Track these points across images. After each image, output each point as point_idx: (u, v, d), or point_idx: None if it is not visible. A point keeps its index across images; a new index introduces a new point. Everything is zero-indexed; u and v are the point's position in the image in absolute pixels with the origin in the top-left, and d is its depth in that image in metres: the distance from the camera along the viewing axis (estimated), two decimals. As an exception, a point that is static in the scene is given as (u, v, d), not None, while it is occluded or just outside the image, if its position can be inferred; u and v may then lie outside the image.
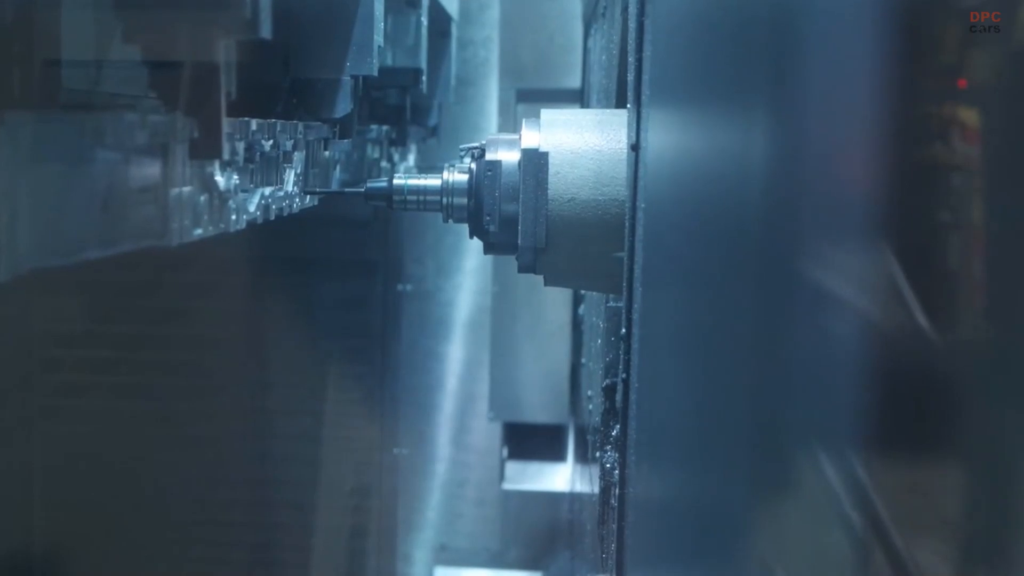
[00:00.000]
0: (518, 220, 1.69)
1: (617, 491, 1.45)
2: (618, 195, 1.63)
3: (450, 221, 1.83)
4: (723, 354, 0.91)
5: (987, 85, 0.59)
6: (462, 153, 1.81)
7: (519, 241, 1.68)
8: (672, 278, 1.16)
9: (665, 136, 1.22)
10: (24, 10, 1.09)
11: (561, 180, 1.66)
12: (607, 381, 1.69)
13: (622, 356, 1.43)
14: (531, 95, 3.80)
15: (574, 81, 3.75)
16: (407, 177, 1.86)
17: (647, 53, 1.33)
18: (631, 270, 1.40)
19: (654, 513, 1.24)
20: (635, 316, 1.35)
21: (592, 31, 2.91)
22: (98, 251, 1.14)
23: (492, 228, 1.73)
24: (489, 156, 1.75)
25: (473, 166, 1.77)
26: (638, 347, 1.33)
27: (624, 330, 1.42)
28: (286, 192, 1.74)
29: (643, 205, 1.34)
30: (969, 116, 0.58)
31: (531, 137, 1.70)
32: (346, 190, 2.08)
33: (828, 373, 0.67)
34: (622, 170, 1.62)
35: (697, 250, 1.01)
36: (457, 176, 1.80)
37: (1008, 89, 0.56)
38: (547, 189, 1.66)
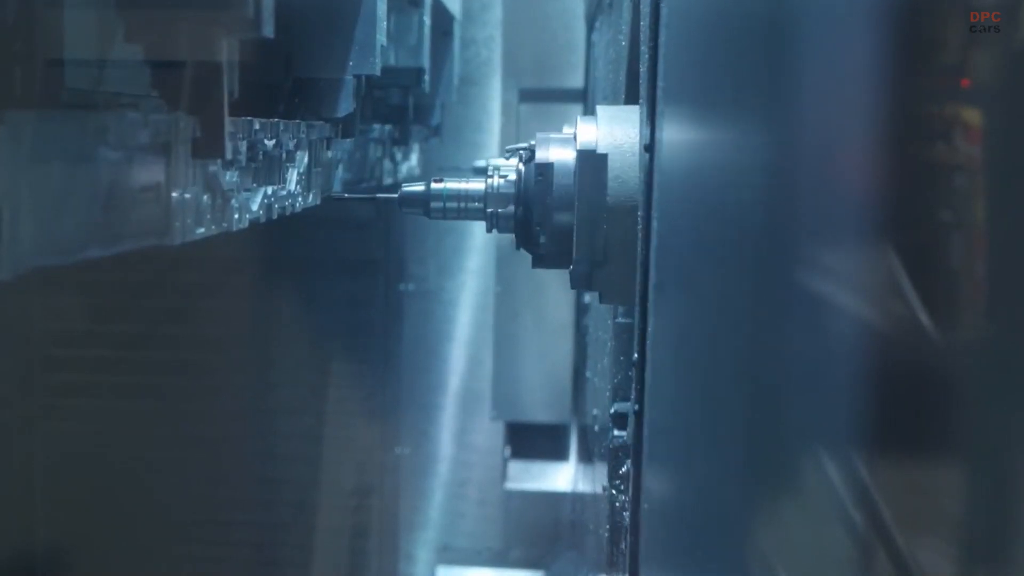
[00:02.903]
0: (572, 231, 1.51)
1: (628, 537, 1.33)
2: None
3: (494, 231, 1.66)
4: (748, 382, 0.85)
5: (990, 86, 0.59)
6: (508, 154, 1.64)
7: (574, 254, 1.50)
8: (691, 296, 1.07)
9: (683, 135, 1.11)
10: (26, 9, 1.09)
11: (622, 185, 1.47)
12: (615, 408, 1.55)
13: (634, 384, 1.30)
14: (534, 94, 3.80)
15: (577, 80, 3.75)
16: (447, 180, 1.70)
17: (662, 39, 1.19)
18: (644, 286, 1.26)
19: (667, 563, 1.15)
20: (649, 340, 1.22)
21: (597, 24, 2.88)
22: (100, 250, 1.14)
23: (543, 239, 1.56)
24: (540, 158, 1.56)
25: (521, 168, 1.61)
26: (652, 378, 1.21)
27: (636, 354, 1.28)
28: (288, 191, 1.74)
29: (657, 214, 1.21)
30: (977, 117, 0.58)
31: (587, 136, 1.51)
32: (378, 195, 1.95)
33: (866, 406, 0.65)
34: None
35: (719, 265, 0.95)
36: (503, 180, 1.63)
37: (1010, 88, 0.56)
38: (606, 196, 1.47)
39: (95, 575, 3.01)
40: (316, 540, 3.29)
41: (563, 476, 4.06)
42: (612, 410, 1.56)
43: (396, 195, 1.73)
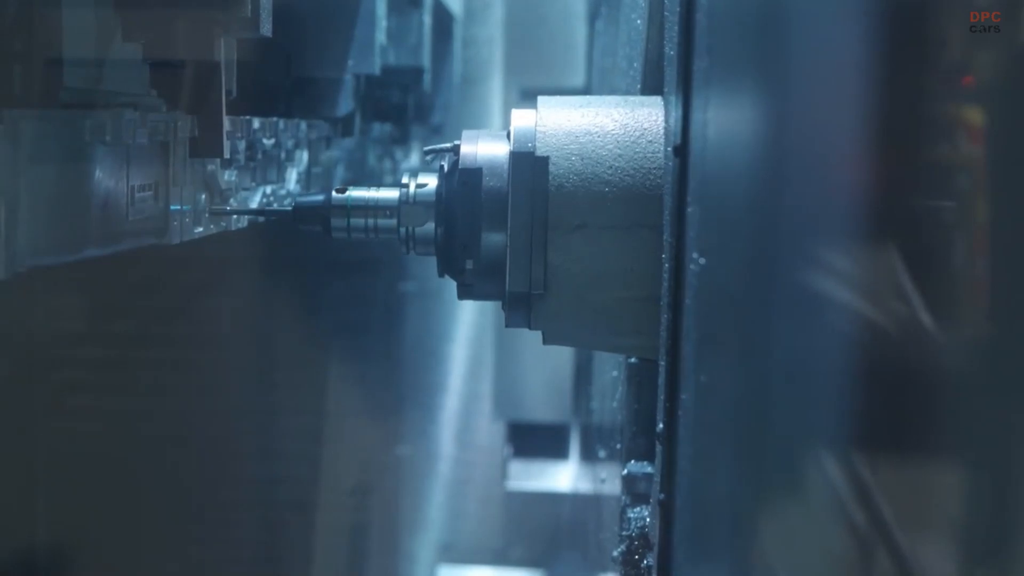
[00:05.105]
0: (504, 254, 1.18)
1: None
2: (649, 219, 1.12)
3: (412, 253, 1.31)
4: (823, 477, 0.69)
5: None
6: (429, 156, 1.29)
7: (507, 283, 1.18)
8: (746, 353, 0.79)
9: (727, 132, 0.84)
10: (24, 8, 1.09)
11: (566, 197, 1.16)
12: (628, 470, 1.24)
13: (660, 467, 0.97)
14: (535, 94, 3.79)
15: (578, 79, 3.75)
16: (353, 189, 1.31)
17: (701, 3, 0.89)
18: (674, 336, 0.94)
19: None
20: (682, 411, 0.91)
21: (601, 11, 2.83)
22: (98, 250, 1.14)
23: (469, 266, 1.23)
24: (464, 162, 1.21)
25: (444, 173, 1.25)
26: (688, 465, 0.90)
27: (662, 424, 0.96)
28: (288, 191, 1.74)
29: (694, 234, 0.90)
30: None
31: (523, 134, 1.19)
32: (268, 209, 1.57)
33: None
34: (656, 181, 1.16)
35: (776, 303, 0.74)
36: (420, 188, 1.26)
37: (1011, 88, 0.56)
38: (546, 210, 1.16)
39: (96, 575, 3.01)
40: (317, 540, 3.29)
41: (564, 475, 4.06)
42: (625, 471, 1.24)
43: (290, 208, 1.36)
